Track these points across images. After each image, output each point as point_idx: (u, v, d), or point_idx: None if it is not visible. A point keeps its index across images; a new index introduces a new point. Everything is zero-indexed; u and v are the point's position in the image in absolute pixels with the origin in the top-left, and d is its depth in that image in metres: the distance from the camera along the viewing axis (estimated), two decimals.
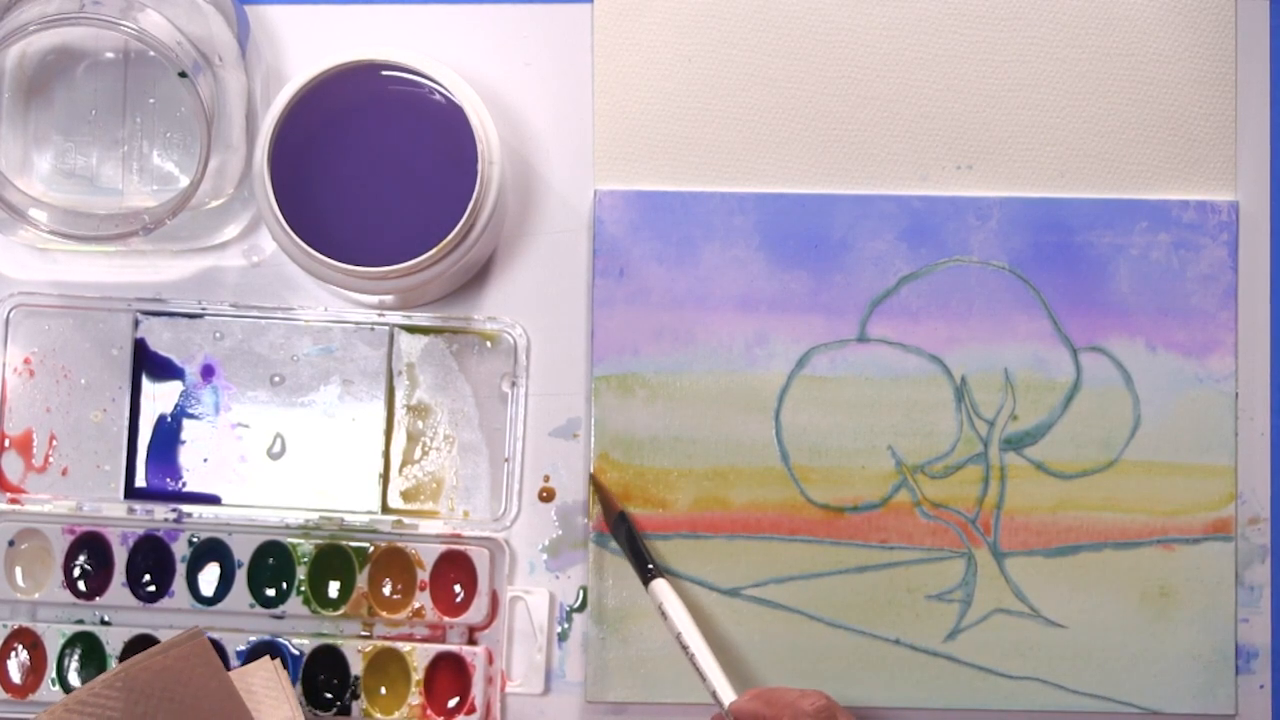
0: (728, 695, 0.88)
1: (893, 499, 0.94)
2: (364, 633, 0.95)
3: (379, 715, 0.94)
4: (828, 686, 0.93)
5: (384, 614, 0.94)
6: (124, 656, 0.93)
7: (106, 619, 0.95)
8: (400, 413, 0.95)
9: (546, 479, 0.95)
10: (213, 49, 0.90)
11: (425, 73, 0.89)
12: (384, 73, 0.89)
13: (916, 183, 0.96)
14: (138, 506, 0.94)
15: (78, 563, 0.94)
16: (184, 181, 0.92)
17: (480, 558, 0.94)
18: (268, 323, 0.95)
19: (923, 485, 0.94)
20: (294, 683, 0.93)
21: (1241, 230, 0.95)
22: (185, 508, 0.94)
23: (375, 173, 0.89)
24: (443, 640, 0.94)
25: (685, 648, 0.90)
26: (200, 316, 0.95)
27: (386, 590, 0.94)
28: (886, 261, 0.95)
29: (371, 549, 0.94)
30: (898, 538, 0.94)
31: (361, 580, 0.94)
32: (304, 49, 0.96)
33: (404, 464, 0.95)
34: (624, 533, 0.93)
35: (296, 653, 0.94)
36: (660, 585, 0.91)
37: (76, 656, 0.94)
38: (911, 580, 0.94)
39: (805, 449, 0.95)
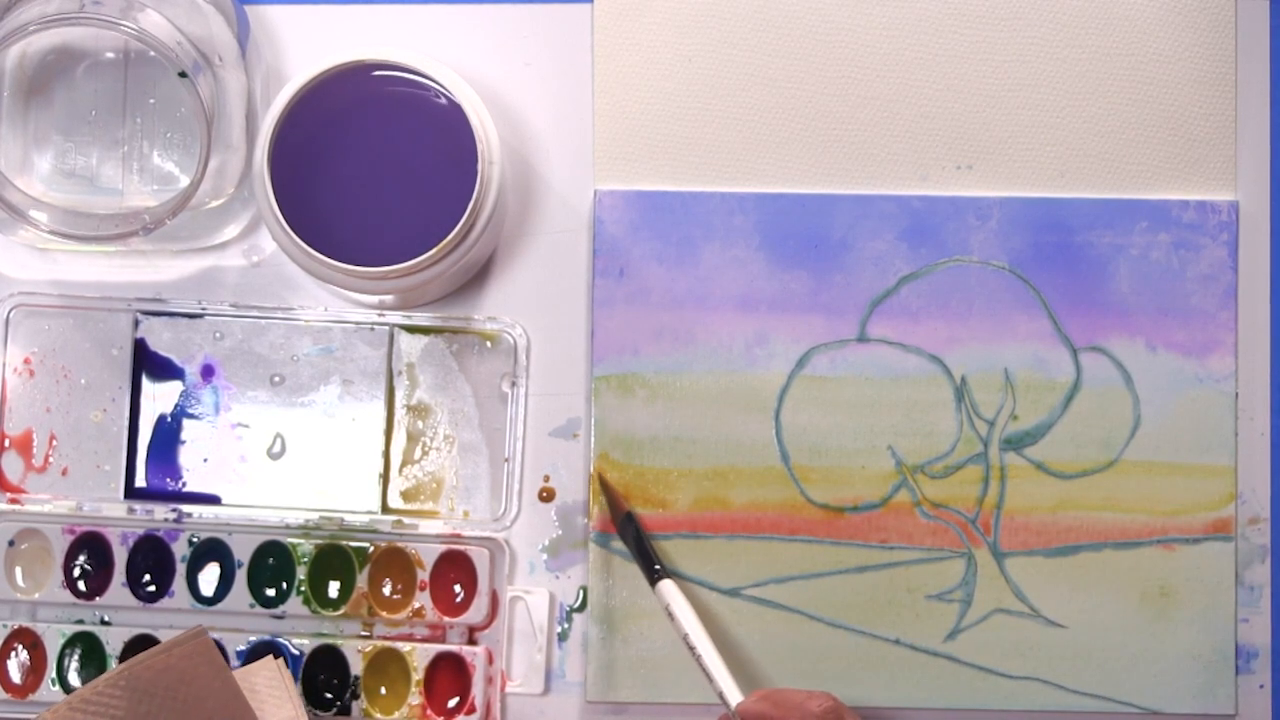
0: (735, 696, 0.88)
1: (893, 499, 0.94)
2: (364, 633, 0.95)
3: (379, 715, 0.94)
4: (828, 686, 0.93)
5: (384, 614, 0.94)
6: (124, 656, 0.93)
7: (106, 619, 0.95)
8: (400, 413, 0.95)
9: (546, 479, 0.95)
10: (213, 49, 0.90)
11: (425, 73, 0.89)
12: (384, 73, 0.89)
13: (916, 183, 0.96)
14: (138, 506, 0.94)
15: (78, 563, 0.94)
16: (184, 181, 0.92)
17: (480, 558, 0.94)
18: (268, 323, 0.95)
19: (923, 485, 0.94)
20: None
21: (1241, 230, 0.95)
22: (185, 508, 0.94)
23: (375, 173, 0.89)
24: (443, 640, 0.94)
25: (692, 649, 0.89)
26: (200, 316, 0.95)
27: (386, 590, 0.94)
28: (886, 261, 0.95)
29: (371, 549, 0.94)
30: (898, 538, 0.94)
31: (361, 580, 0.94)
32: (304, 49, 0.96)
33: (404, 464, 0.95)
34: (631, 533, 0.93)
35: (296, 653, 0.94)
36: (667, 586, 0.91)
37: (76, 656, 0.94)
38: (911, 580, 0.94)
39: (805, 449, 0.95)
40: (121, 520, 0.94)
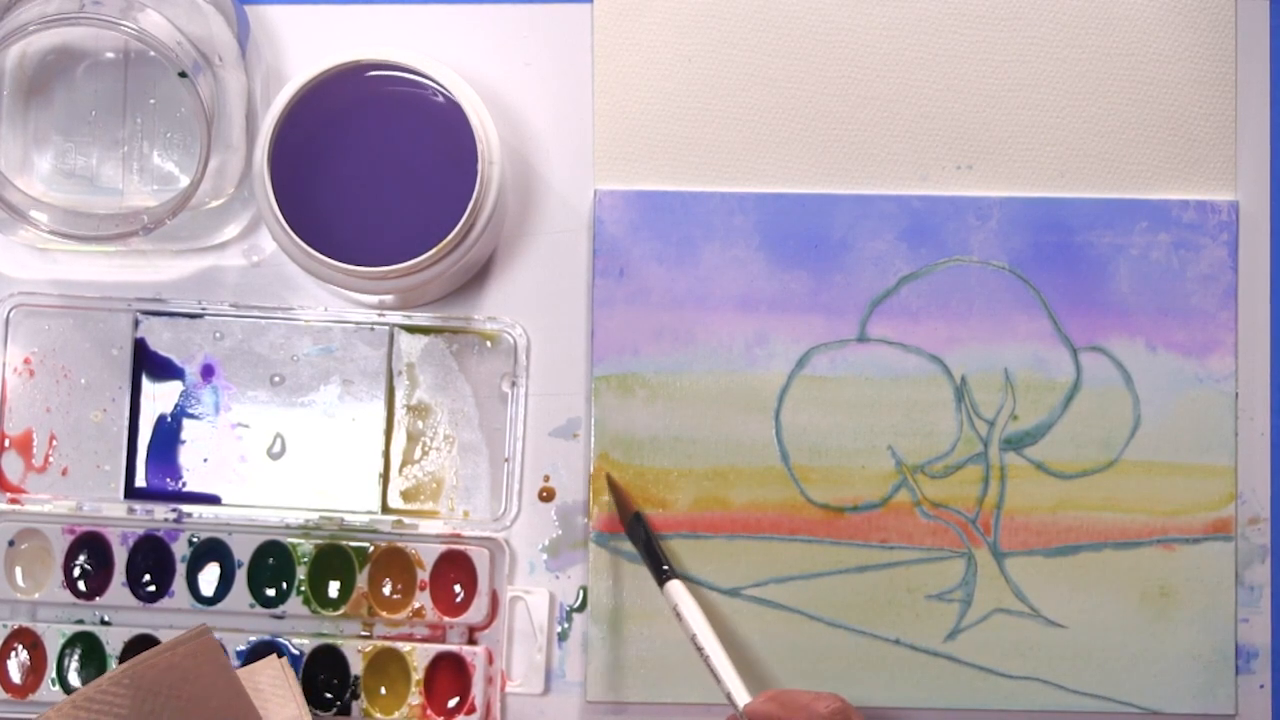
0: (742, 697, 0.88)
1: (893, 499, 0.94)
2: (364, 633, 0.95)
3: (379, 715, 0.94)
4: (827, 686, 0.93)
5: (384, 614, 0.94)
6: (124, 656, 0.93)
7: (106, 619, 0.95)
8: (400, 413, 0.95)
9: (546, 479, 0.95)
10: (213, 49, 0.90)
11: (425, 73, 0.89)
12: (384, 73, 0.89)
13: (916, 183, 0.96)
14: (138, 506, 0.94)
15: (78, 563, 0.94)
16: (184, 181, 0.92)
17: (480, 558, 0.94)
18: (268, 323, 0.95)
19: (923, 485, 0.94)
20: None
21: (1241, 230, 0.95)
22: (185, 508, 0.94)
23: (375, 173, 0.89)
24: (443, 640, 0.95)
25: (700, 649, 0.89)
26: (200, 316, 0.95)
27: (386, 590, 0.94)
28: (886, 261, 0.95)
29: (371, 549, 0.94)
30: (898, 538, 0.94)
31: (361, 580, 0.94)
32: (304, 49, 0.96)
33: (404, 464, 0.95)
34: (640, 533, 0.93)
35: (296, 653, 0.94)
36: (675, 587, 0.91)
37: (76, 656, 0.94)
38: (911, 580, 0.94)
39: (805, 449, 0.95)
40: (121, 520, 0.94)
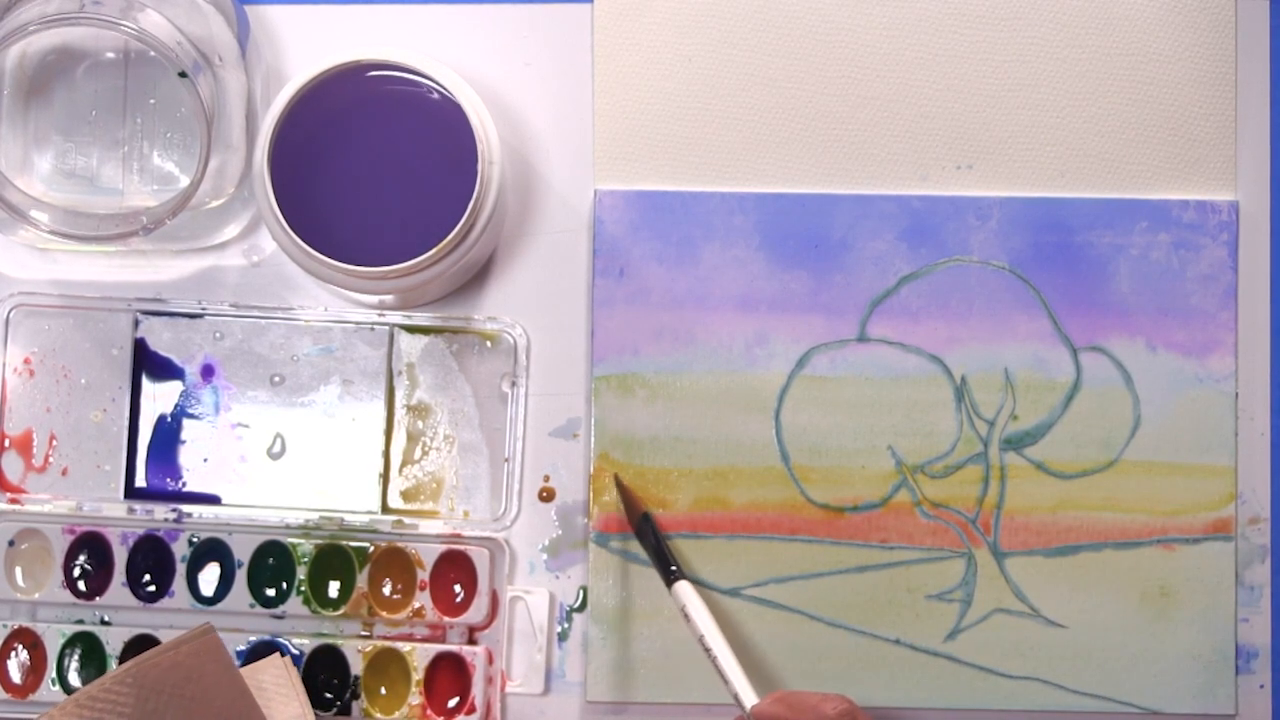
0: (750, 698, 0.87)
1: (893, 499, 0.94)
2: (364, 633, 0.95)
3: (379, 715, 0.94)
4: (827, 686, 0.93)
5: (384, 614, 0.94)
6: (124, 656, 0.93)
7: (106, 619, 0.95)
8: (400, 413, 0.95)
9: (546, 479, 0.95)
10: (213, 49, 0.90)
11: (425, 73, 0.89)
12: (384, 73, 0.89)
13: (916, 183, 0.96)
14: (138, 506, 0.94)
15: (78, 563, 0.94)
16: (184, 181, 0.92)
17: (480, 558, 0.94)
18: (268, 323, 0.95)
19: (923, 485, 0.94)
20: None
21: (1241, 230, 0.95)
22: (185, 508, 0.94)
23: (375, 173, 0.89)
24: (443, 640, 0.94)
25: (708, 650, 0.89)
26: (200, 316, 0.95)
27: (386, 590, 0.94)
28: (886, 261, 0.95)
29: (371, 549, 0.94)
30: (898, 538, 0.94)
31: (361, 580, 0.94)
32: (304, 49, 0.96)
33: (404, 464, 0.95)
34: (649, 534, 0.93)
35: (296, 653, 0.94)
36: (684, 587, 0.91)
37: (76, 656, 0.94)
38: (911, 580, 0.94)
39: (805, 449, 0.95)
40: (121, 520, 0.94)
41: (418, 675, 0.94)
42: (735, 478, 0.94)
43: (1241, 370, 0.95)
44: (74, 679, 0.94)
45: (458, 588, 0.94)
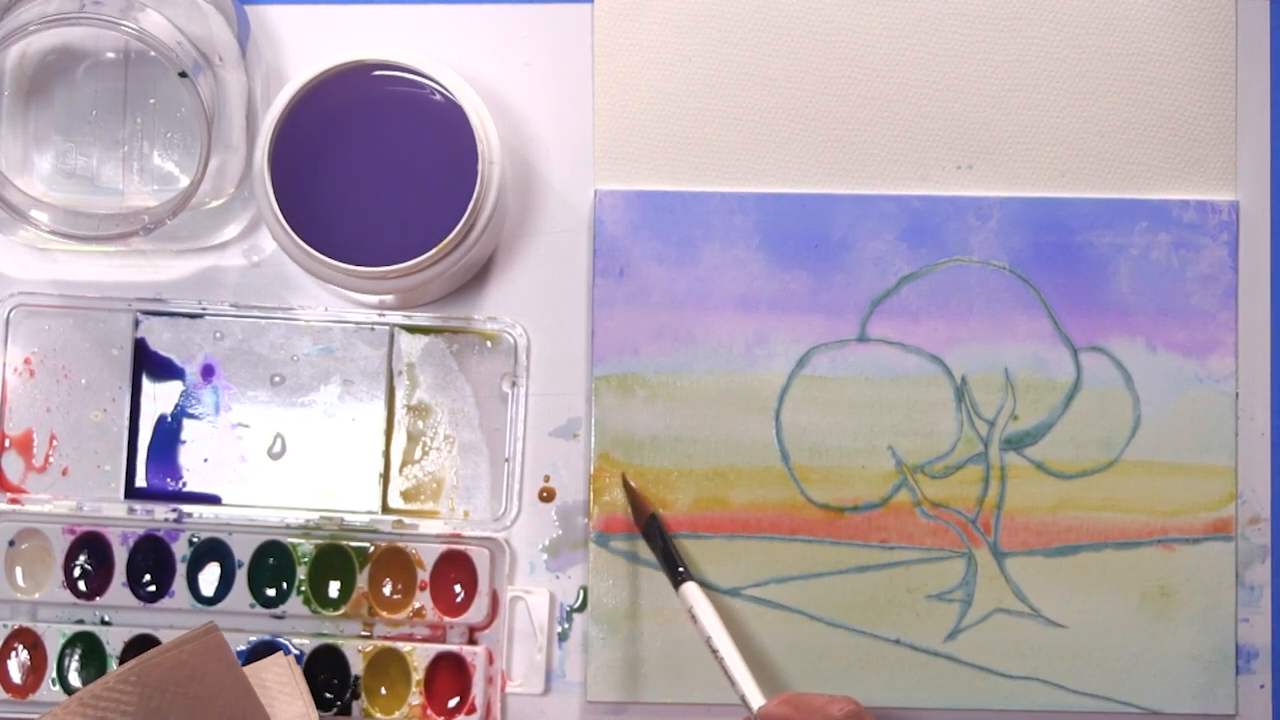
0: (757, 700, 0.87)
1: (893, 499, 0.94)
2: (364, 633, 0.95)
3: (379, 715, 0.94)
4: (827, 686, 0.93)
5: (384, 614, 0.94)
6: (124, 657, 0.93)
7: (107, 619, 0.95)
8: (400, 413, 0.95)
9: (547, 479, 0.95)
10: (213, 49, 0.90)
11: (425, 73, 0.89)
12: (384, 73, 0.89)
13: (916, 183, 0.96)
14: (138, 506, 0.94)
15: (78, 563, 0.94)
16: (184, 181, 0.92)
17: (480, 558, 0.94)
18: (268, 323, 0.95)
19: (923, 485, 0.94)
20: None
21: (1241, 230, 0.95)
22: (185, 508, 0.94)
23: (375, 173, 0.89)
24: (443, 640, 0.95)
25: (715, 651, 0.89)
26: (200, 316, 0.95)
27: (387, 590, 0.94)
28: (886, 261, 0.95)
29: (372, 549, 0.94)
30: (898, 538, 0.94)
31: (362, 580, 0.94)
32: (304, 49, 0.96)
33: (404, 464, 0.95)
34: (656, 535, 0.93)
35: (297, 653, 0.94)
36: (691, 589, 0.91)
37: (77, 657, 0.94)
38: (911, 580, 0.94)
39: (805, 449, 0.95)
40: (121, 520, 0.94)
41: (418, 675, 0.94)
42: (735, 478, 0.94)
43: (1241, 370, 0.95)
44: (74, 679, 0.94)
45: (458, 588, 0.94)
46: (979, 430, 0.94)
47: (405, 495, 0.95)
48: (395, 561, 0.94)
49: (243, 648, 0.94)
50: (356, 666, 0.94)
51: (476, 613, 0.94)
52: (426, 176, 0.89)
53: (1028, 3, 0.96)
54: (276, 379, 0.95)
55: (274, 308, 0.96)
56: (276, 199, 0.88)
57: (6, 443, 0.95)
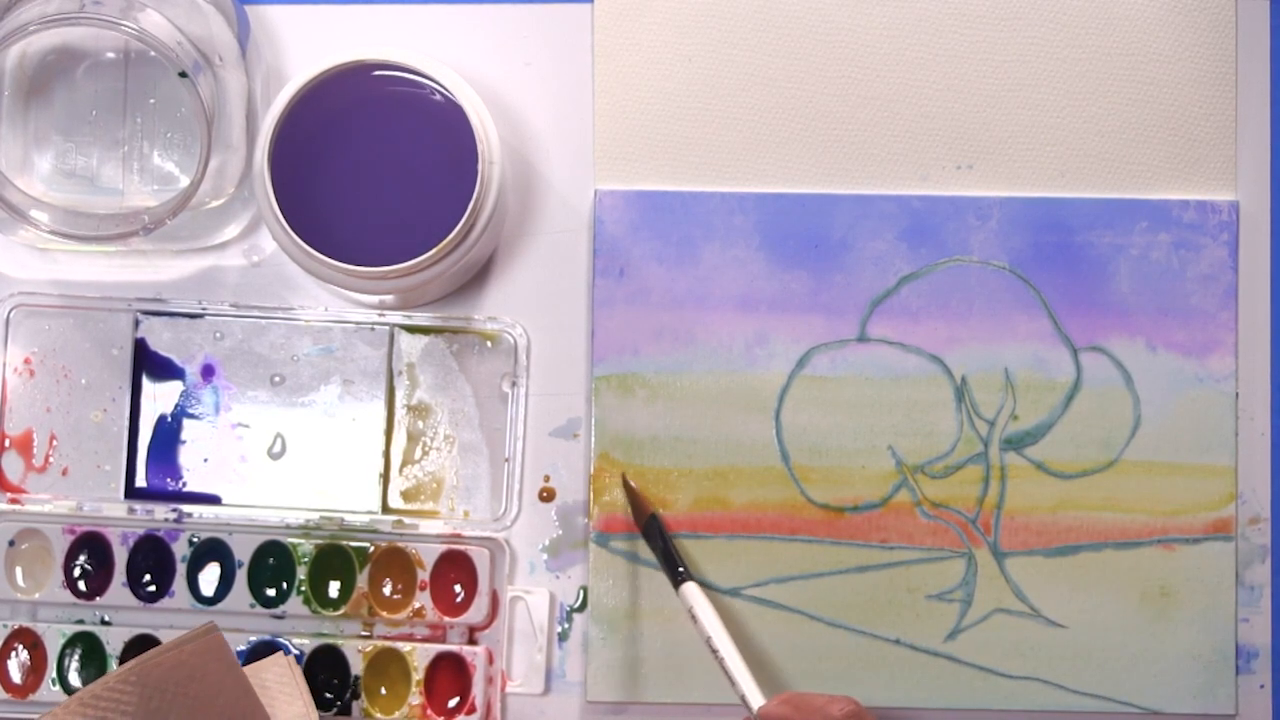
0: (757, 700, 0.87)
1: (893, 499, 0.94)
2: (364, 633, 0.95)
3: (379, 715, 0.94)
4: (827, 686, 0.93)
5: (384, 614, 0.94)
6: (124, 657, 0.93)
7: (107, 619, 0.95)
8: (400, 413, 0.95)
9: (547, 479, 0.95)
10: (213, 49, 0.90)
11: (425, 73, 0.89)
12: (384, 73, 0.89)
13: (916, 183, 0.96)
14: (138, 506, 0.94)
15: (78, 563, 0.94)
16: (184, 181, 0.92)
17: (480, 558, 0.94)
18: (268, 323, 0.95)
19: (923, 485, 0.94)
20: None
21: (1241, 230, 0.95)
22: (185, 508, 0.94)
23: (375, 173, 0.89)
24: (443, 640, 0.95)
25: (715, 651, 0.89)
26: (200, 316, 0.95)
27: (387, 590, 0.94)
28: (886, 261, 0.95)
29: (372, 549, 0.94)
30: (898, 538, 0.94)
31: (362, 580, 0.94)
32: (304, 49, 0.96)
33: (404, 464, 0.95)
34: (656, 535, 0.93)
35: (297, 653, 0.94)
36: (691, 589, 0.91)
37: (77, 657, 0.94)
38: (911, 580, 0.94)
39: (805, 449, 0.95)
40: (121, 520, 0.94)
41: (418, 675, 0.94)
42: (735, 478, 0.94)
43: (1241, 370, 0.95)
44: (74, 679, 0.94)
45: (458, 588, 0.94)
46: (979, 430, 0.95)
47: (405, 495, 0.95)
48: (395, 561, 0.94)
49: (243, 648, 0.94)
50: (356, 666, 0.94)
51: (476, 613, 0.94)
52: (426, 176, 0.89)
53: (1028, 3, 0.96)
54: (276, 379, 0.95)
55: (274, 308, 0.96)
56: (276, 199, 0.88)
57: (6, 443, 0.95)
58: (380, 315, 0.95)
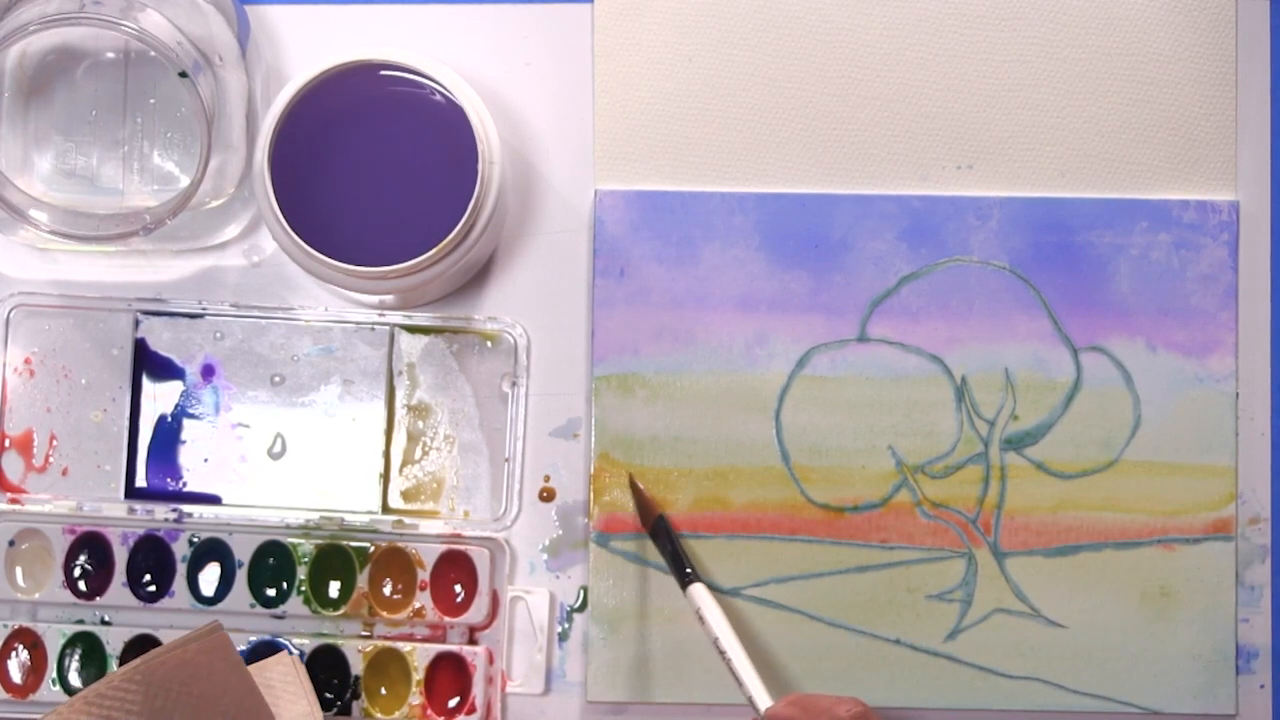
0: (764, 701, 0.87)
1: (893, 499, 0.94)
2: (364, 633, 0.95)
3: (379, 715, 0.94)
4: (828, 686, 0.93)
5: (384, 614, 0.94)
6: (124, 657, 0.93)
7: (107, 619, 0.95)
8: (400, 413, 0.95)
9: (547, 479, 0.95)
10: (213, 49, 0.90)
11: (425, 72, 0.89)
12: (384, 73, 0.89)
13: (916, 183, 0.96)
14: (138, 506, 0.94)
15: (78, 563, 0.94)
16: (184, 181, 0.92)
17: (480, 558, 0.94)
18: (268, 323, 0.95)
19: (923, 485, 0.94)
20: None
21: (1242, 230, 0.95)
22: (185, 508, 0.94)
23: (375, 173, 0.89)
24: (443, 640, 0.95)
25: (722, 653, 0.89)
26: (200, 316, 0.95)
27: (387, 590, 0.94)
28: (886, 261, 0.95)
29: (372, 549, 0.94)
30: (898, 538, 0.94)
31: (362, 580, 0.94)
32: (304, 49, 0.96)
33: (404, 464, 0.95)
34: (664, 536, 0.93)
35: (297, 653, 0.94)
36: (698, 590, 0.91)
37: (77, 656, 0.94)
38: (912, 580, 0.94)
39: (805, 449, 0.95)
40: (122, 520, 0.94)
41: (418, 675, 0.94)
42: (735, 478, 0.94)
43: (1241, 370, 0.95)
44: (74, 679, 0.94)
45: (458, 588, 0.94)
46: (979, 430, 0.95)
47: (405, 495, 0.95)
48: (395, 561, 0.94)
49: (243, 648, 0.94)
50: (357, 666, 0.94)
51: (476, 613, 0.94)
52: (426, 176, 0.89)
53: (1028, 3, 0.96)
54: (276, 379, 0.95)
55: (274, 308, 0.96)
56: (276, 199, 0.88)
57: (6, 443, 0.95)
58: (380, 315, 0.95)
